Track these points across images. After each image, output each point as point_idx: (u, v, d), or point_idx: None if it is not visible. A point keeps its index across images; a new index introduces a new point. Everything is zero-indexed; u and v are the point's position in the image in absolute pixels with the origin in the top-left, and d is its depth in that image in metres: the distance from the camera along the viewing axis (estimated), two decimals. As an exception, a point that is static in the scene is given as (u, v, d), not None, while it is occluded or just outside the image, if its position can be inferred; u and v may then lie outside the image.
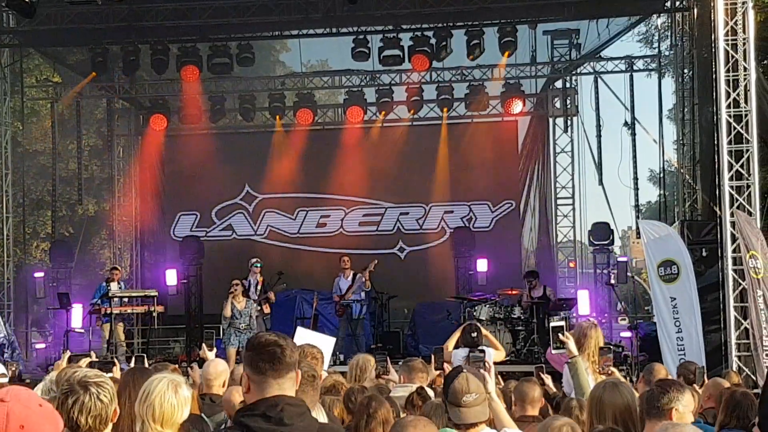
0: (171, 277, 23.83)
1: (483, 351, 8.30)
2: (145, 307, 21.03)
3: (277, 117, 26.32)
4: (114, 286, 21.56)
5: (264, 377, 4.46)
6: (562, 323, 7.93)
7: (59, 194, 28.46)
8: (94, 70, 24.63)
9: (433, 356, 10.12)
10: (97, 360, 9.65)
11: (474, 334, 12.02)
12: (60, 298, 22.46)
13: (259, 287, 21.10)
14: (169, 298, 23.43)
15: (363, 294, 21.36)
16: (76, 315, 21.87)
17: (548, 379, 9.94)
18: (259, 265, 21.27)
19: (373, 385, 8.76)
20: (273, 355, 4.49)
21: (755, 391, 10.75)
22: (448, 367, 9.69)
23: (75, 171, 28.34)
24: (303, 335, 10.93)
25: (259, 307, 20.68)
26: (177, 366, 10.29)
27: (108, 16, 22.73)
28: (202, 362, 9.54)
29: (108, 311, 20.88)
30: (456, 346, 12.24)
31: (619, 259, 23.84)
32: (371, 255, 24.47)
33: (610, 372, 8.22)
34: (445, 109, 25.95)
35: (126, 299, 21.37)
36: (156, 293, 21.19)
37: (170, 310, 23.40)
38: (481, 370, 6.77)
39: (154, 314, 20.79)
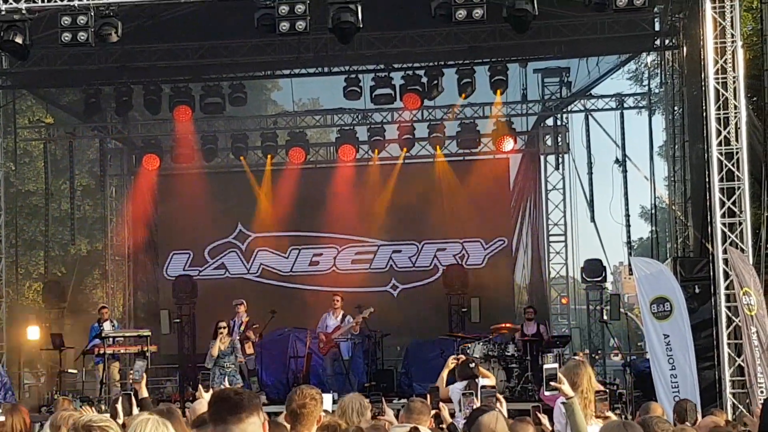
0: (164, 317, 23.82)
1: (494, 387, 8.30)
2: (138, 346, 20.96)
3: (269, 156, 26.40)
4: (107, 326, 21.52)
5: (225, 425, 4.45)
6: (555, 366, 7.89)
7: (52, 234, 28.42)
8: (86, 111, 24.76)
9: (428, 396, 10.13)
10: None
11: (472, 365, 12.10)
12: (53, 339, 22.41)
13: (242, 328, 21.10)
14: (162, 338, 23.40)
15: (350, 334, 21.37)
16: (69, 358, 21.83)
17: (545, 419, 9.94)
18: (240, 303, 21.32)
19: (369, 426, 8.75)
20: (228, 400, 4.51)
21: (748, 429, 10.77)
22: (444, 407, 9.72)
23: (68, 211, 28.35)
24: None
25: (239, 347, 20.66)
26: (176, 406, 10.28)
27: (101, 57, 22.83)
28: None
29: (102, 351, 20.83)
30: (452, 381, 12.27)
31: (611, 293, 23.92)
32: (364, 293, 24.52)
33: (606, 416, 8.20)
34: (437, 147, 26.04)
35: (119, 339, 21.31)
36: (149, 333, 21.14)
37: (163, 349, 23.35)
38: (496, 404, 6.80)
39: (148, 354, 20.70)
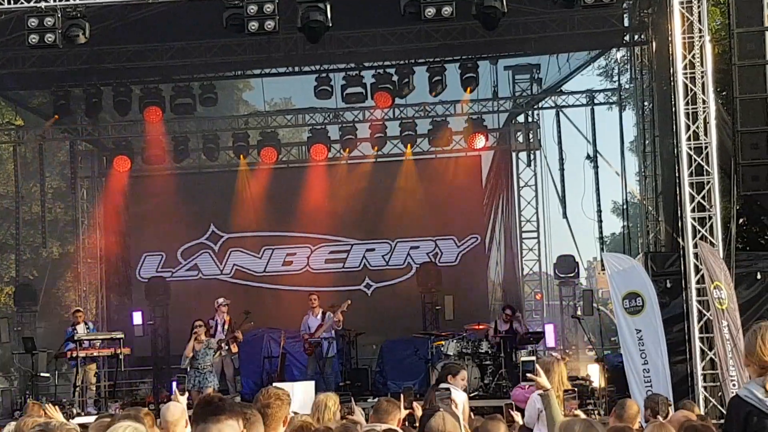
0: (137, 319, 23.76)
1: (448, 389, 8.33)
2: (111, 349, 20.87)
3: (241, 156, 26.35)
4: (81, 329, 21.40)
5: (205, 424, 4.68)
6: (533, 359, 7.98)
7: (23, 237, 28.25)
8: (56, 113, 24.64)
9: (402, 395, 10.10)
10: None
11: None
12: (24, 343, 22.28)
13: (226, 326, 21.06)
14: (135, 340, 23.32)
15: (333, 332, 21.38)
16: (42, 361, 21.70)
17: (518, 417, 9.97)
18: (226, 303, 21.26)
19: (339, 425, 8.73)
20: (211, 402, 4.77)
21: (722, 421, 10.82)
22: (417, 406, 9.71)
23: (39, 214, 28.21)
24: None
25: (226, 347, 20.68)
26: (148, 409, 10.22)
27: (70, 58, 22.75)
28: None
29: (74, 354, 20.71)
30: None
31: (584, 288, 24.03)
32: (338, 292, 24.50)
33: (575, 414, 8.25)
34: (408, 145, 26.04)
35: (92, 342, 21.20)
36: (122, 335, 21.05)
37: (137, 351, 23.28)
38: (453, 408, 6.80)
39: (121, 356, 20.64)
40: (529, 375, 7.60)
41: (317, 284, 24.90)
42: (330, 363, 21.45)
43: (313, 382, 17.86)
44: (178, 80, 24.64)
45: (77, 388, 20.72)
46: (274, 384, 8.27)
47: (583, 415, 8.35)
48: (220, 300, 21.37)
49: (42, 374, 21.64)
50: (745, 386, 5.61)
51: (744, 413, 5.56)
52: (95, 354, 21.03)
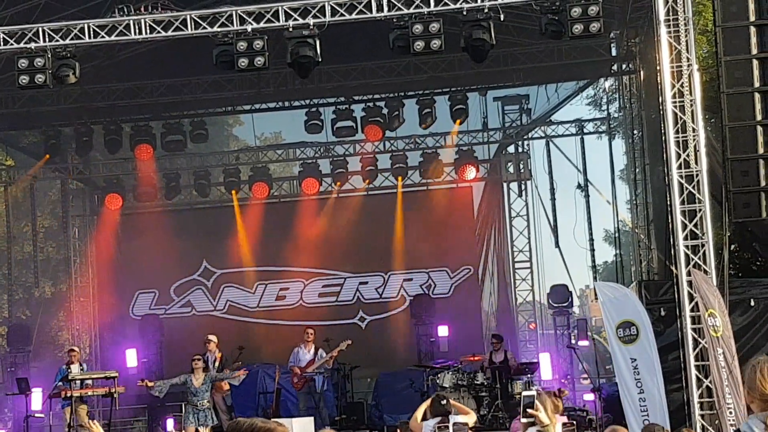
0: (131, 357, 23.67)
1: (466, 423, 8.29)
2: (105, 388, 20.74)
3: (233, 192, 26.37)
4: (75, 368, 21.30)
5: None
6: (533, 393, 7.91)
7: (15, 277, 28.20)
8: (47, 153, 24.65)
9: (398, 430, 10.10)
10: None
11: (444, 402, 12.09)
12: (19, 384, 22.15)
13: (217, 364, 20.97)
14: (130, 378, 23.19)
15: (324, 368, 21.28)
16: (36, 398, 21.58)
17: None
18: (210, 340, 21.19)
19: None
20: None
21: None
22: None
23: (30, 253, 28.15)
24: None
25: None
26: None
27: (60, 98, 22.81)
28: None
29: (68, 394, 20.59)
30: (424, 417, 12.25)
31: (578, 317, 24.02)
32: (332, 326, 24.45)
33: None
34: (399, 178, 26.08)
35: (87, 381, 21.08)
36: (116, 374, 20.89)
37: (131, 389, 23.12)
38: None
39: (115, 395, 20.50)
40: (529, 411, 7.55)
41: (311, 318, 24.86)
42: (323, 397, 21.36)
43: (311, 419, 17.81)
44: (169, 117, 24.72)
45: (71, 429, 20.59)
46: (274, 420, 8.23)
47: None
48: (207, 337, 21.36)
49: (36, 415, 21.52)
50: (747, 421, 5.56)
51: None
52: (90, 393, 20.92)
